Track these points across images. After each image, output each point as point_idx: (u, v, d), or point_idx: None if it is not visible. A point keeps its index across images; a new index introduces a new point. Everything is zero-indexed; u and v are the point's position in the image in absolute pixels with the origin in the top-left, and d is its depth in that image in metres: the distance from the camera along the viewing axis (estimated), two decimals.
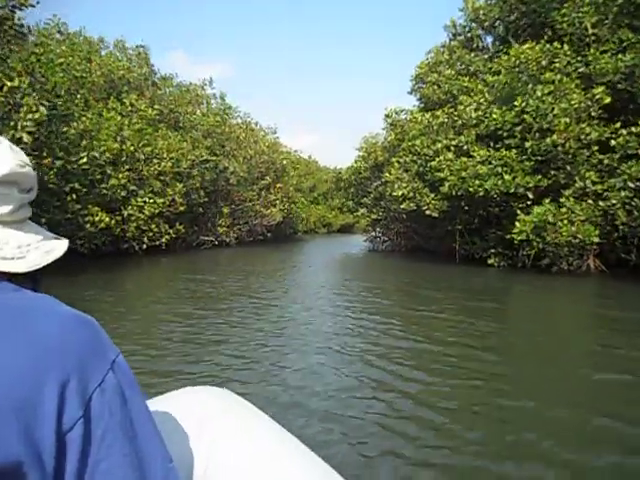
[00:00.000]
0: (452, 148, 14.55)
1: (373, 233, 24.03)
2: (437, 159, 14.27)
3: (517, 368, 4.98)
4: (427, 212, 14.69)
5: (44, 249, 0.71)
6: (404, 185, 15.24)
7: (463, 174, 13.69)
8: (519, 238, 12.40)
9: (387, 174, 15.60)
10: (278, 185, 25.42)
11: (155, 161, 17.13)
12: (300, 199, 31.83)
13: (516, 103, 13.12)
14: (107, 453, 0.60)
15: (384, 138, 19.24)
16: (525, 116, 12.96)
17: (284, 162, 26.36)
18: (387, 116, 17.73)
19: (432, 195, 14.83)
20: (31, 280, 0.70)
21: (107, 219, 13.53)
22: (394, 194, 15.41)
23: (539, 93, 12.90)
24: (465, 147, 14.35)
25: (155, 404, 1.05)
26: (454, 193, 13.99)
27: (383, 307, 8.58)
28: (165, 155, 17.21)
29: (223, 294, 9.54)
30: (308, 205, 38.98)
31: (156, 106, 21.11)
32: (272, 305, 8.44)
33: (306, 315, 7.62)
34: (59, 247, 0.74)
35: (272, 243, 26.12)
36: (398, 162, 15.86)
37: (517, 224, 12.54)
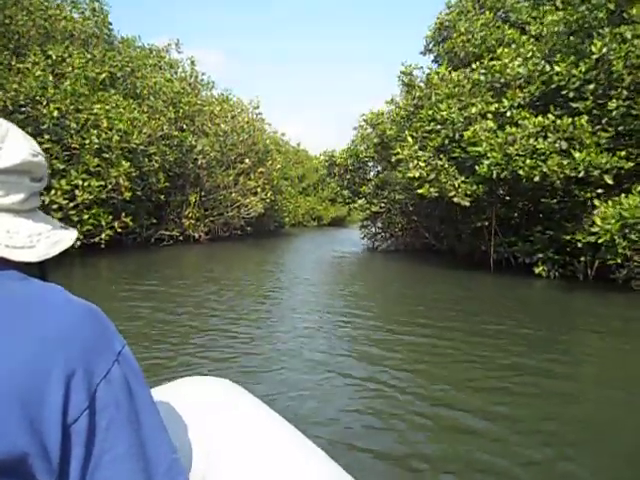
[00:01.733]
0: (489, 115, 10.62)
1: (373, 229, 20.06)
2: (472, 128, 10.33)
3: None
4: (455, 200, 10.73)
5: (53, 239, 0.69)
6: (422, 164, 11.26)
7: (510, 150, 9.77)
8: (601, 240, 8.50)
9: (398, 150, 11.60)
10: (260, 170, 21.27)
11: (93, 132, 12.96)
12: (287, 188, 27.80)
13: (593, 48, 9.18)
14: (112, 444, 0.59)
15: (394, 108, 15.17)
16: (615, 62, 8.94)
17: (267, 142, 22.18)
18: (403, 73, 13.55)
19: (461, 178, 10.88)
20: (39, 269, 0.69)
21: None
22: (408, 176, 11.44)
23: (629, 34, 8.97)
24: (508, 113, 10.41)
25: (156, 393, 0.98)
26: (495, 176, 10.08)
27: (412, 349, 4.72)
28: (105, 124, 13.03)
29: (156, 325, 5.53)
30: (296, 195, 34.90)
31: (106, 68, 16.93)
32: (235, 350, 4.55)
33: (290, 371, 3.79)
34: (67, 237, 0.71)
35: (252, 239, 22.08)
36: (413, 136, 11.88)
37: (597, 221, 8.63)
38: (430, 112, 11.64)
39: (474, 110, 10.53)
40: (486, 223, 12.68)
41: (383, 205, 17.89)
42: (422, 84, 12.95)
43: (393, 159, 12.54)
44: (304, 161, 44.72)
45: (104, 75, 16.51)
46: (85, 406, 0.57)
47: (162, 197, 17.61)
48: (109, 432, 0.58)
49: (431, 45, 15.40)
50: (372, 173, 19.32)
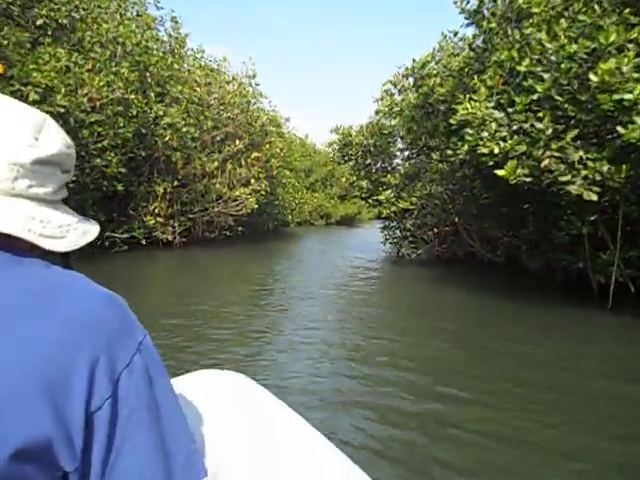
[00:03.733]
0: (630, 46, 6.03)
1: (398, 231, 15.44)
2: (608, 64, 5.75)
3: None
4: (573, 190, 6.13)
5: (81, 230, 0.69)
6: (504, 133, 6.69)
7: None
8: None
9: (466, 105, 6.98)
10: (254, 155, 16.71)
11: None
12: (289, 179, 23.25)
13: None
14: (133, 433, 0.59)
15: (444, 58, 10.48)
16: None
17: (265, 121, 17.57)
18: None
19: (580, 152, 6.27)
20: (62, 258, 0.70)
21: None
22: (481, 151, 6.86)
23: None
24: None
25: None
26: None
27: None
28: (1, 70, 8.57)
29: None
30: (302, 190, 30.33)
31: (44, 11, 12.51)
32: None
33: None
34: (92, 230, 0.71)
35: (245, 241, 17.59)
36: (486, 85, 7.30)
37: None
38: (515, 51, 7.03)
39: (610, 38, 5.90)
40: (586, 229, 8.06)
41: (415, 200, 13.31)
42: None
43: (451, 124, 7.91)
44: (311, 154, 40.25)
45: (41, 21, 12.22)
46: (108, 394, 0.57)
47: (120, 186, 13.12)
48: (130, 421, 0.58)
49: None
50: (397, 160, 14.79)
